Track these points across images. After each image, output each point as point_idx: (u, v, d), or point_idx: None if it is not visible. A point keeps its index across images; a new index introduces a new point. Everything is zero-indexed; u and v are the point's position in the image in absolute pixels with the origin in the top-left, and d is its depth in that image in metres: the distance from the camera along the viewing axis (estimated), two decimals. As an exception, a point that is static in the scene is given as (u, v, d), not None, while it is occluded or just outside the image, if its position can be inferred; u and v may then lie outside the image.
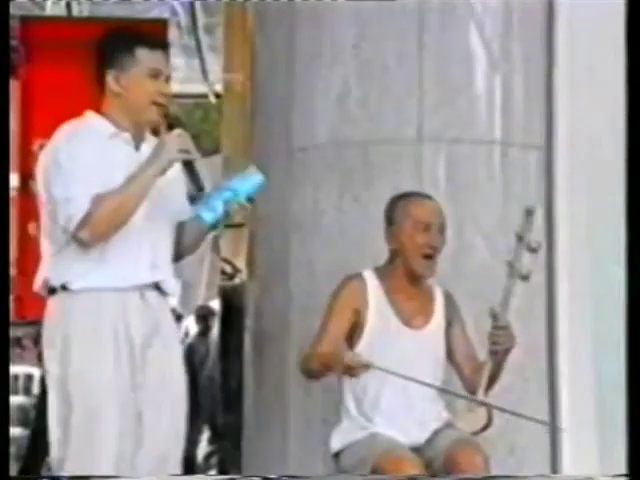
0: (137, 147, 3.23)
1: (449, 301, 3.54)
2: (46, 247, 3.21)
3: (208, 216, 3.22)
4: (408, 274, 3.45)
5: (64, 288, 3.13)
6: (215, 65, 9.77)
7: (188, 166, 3.18)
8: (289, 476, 3.73)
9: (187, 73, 10.86)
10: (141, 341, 3.15)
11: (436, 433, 3.40)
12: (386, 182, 3.92)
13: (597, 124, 4.09)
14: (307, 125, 4.04)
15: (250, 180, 3.28)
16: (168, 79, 3.25)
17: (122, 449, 3.10)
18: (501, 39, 4.06)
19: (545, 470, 3.93)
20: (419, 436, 3.39)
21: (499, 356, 3.34)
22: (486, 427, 3.32)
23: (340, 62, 4.02)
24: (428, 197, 3.52)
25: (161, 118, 3.23)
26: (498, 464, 3.64)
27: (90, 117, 3.28)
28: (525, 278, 3.29)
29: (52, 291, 3.16)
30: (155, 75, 3.22)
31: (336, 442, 3.46)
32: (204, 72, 10.87)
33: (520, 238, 3.30)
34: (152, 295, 3.20)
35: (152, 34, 3.33)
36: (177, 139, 3.16)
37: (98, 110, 3.27)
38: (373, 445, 3.34)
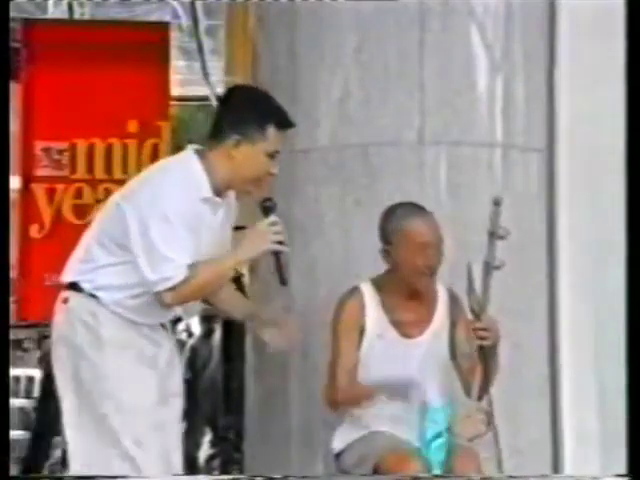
0: (215, 212, 3.22)
1: (454, 301, 3.52)
2: (96, 253, 3.19)
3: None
4: (407, 290, 3.43)
5: (95, 296, 3.17)
6: (217, 68, 9.78)
7: (276, 256, 3.20)
8: (298, 476, 3.74)
9: (189, 76, 10.87)
10: (164, 365, 3.25)
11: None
12: (387, 184, 3.93)
13: (598, 126, 4.09)
14: (308, 127, 4.05)
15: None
16: (278, 158, 3.26)
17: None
18: (502, 41, 4.06)
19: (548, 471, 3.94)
20: (416, 439, 3.40)
21: (486, 352, 3.32)
22: (482, 434, 3.32)
23: (341, 64, 4.02)
24: (422, 212, 3.45)
25: (256, 196, 3.26)
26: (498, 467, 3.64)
27: (194, 168, 3.20)
28: (498, 268, 3.31)
29: (79, 289, 3.18)
30: (273, 155, 3.23)
31: (338, 442, 3.47)
32: (206, 75, 10.88)
33: (492, 234, 3.31)
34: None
35: (285, 113, 3.26)
36: (273, 228, 3.18)
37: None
38: (374, 443, 3.35)
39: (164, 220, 3.09)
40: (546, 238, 4.08)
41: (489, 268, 3.30)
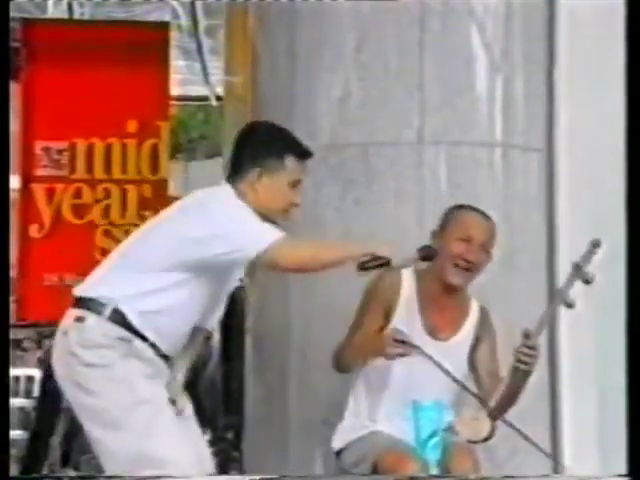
0: None
1: (484, 317, 3.51)
2: (136, 278, 3.15)
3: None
4: (441, 281, 3.41)
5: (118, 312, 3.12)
6: (216, 67, 9.78)
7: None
8: (298, 476, 3.74)
9: (188, 76, 10.88)
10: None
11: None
12: (387, 184, 3.93)
13: (597, 126, 4.09)
14: (308, 127, 4.05)
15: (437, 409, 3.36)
16: (301, 187, 3.31)
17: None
18: (502, 41, 4.06)
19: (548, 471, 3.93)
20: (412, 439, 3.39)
21: (522, 375, 3.29)
22: (487, 438, 3.31)
23: (341, 64, 4.02)
24: (483, 214, 3.47)
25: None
26: (499, 467, 3.64)
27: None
28: (570, 306, 3.25)
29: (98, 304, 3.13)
30: (295, 185, 3.28)
31: (338, 441, 3.47)
32: (205, 74, 10.89)
33: (578, 267, 3.24)
34: None
35: (303, 144, 3.33)
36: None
37: None
38: (374, 442, 3.35)
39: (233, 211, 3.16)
40: (546, 238, 4.08)
41: (560, 299, 3.25)
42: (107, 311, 3.11)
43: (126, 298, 3.12)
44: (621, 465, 3.27)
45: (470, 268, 3.39)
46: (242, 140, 3.35)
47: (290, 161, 3.27)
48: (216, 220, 3.13)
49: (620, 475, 3.13)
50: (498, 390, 3.31)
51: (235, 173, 3.29)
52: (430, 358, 3.27)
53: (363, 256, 3.17)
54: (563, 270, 4.01)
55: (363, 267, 3.17)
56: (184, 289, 3.15)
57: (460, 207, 3.49)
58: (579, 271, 3.24)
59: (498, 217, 3.96)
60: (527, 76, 4.09)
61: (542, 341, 3.34)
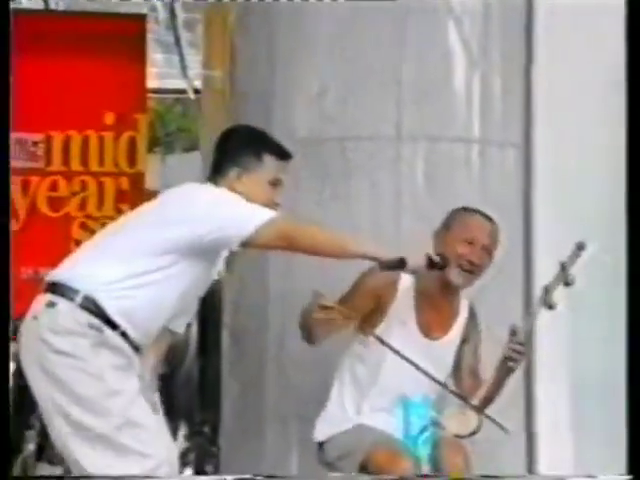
0: None
1: (472, 318, 3.52)
2: (113, 269, 3.12)
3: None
4: (442, 281, 3.40)
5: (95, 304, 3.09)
6: (194, 61, 9.75)
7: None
8: (270, 476, 3.73)
9: (166, 69, 10.84)
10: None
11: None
12: (364, 179, 3.93)
13: (575, 123, 4.11)
14: (286, 122, 4.05)
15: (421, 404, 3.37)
16: (282, 188, 3.33)
17: None
18: (480, 37, 4.07)
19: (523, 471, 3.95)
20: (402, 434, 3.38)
21: (507, 371, 3.31)
22: (474, 432, 3.33)
23: (319, 59, 4.02)
24: (487, 216, 3.47)
25: None
26: (480, 465, 3.65)
27: None
28: (551, 307, 3.28)
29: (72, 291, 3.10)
30: (275, 184, 3.30)
31: (320, 433, 3.44)
32: (183, 68, 10.85)
33: (563, 268, 3.26)
34: None
35: (282, 145, 3.36)
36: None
37: None
38: (361, 437, 3.34)
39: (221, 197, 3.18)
40: (523, 235, 4.09)
41: (545, 299, 3.27)
42: (79, 297, 3.07)
43: (99, 285, 3.09)
44: (595, 464, 3.30)
45: (473, 270, 3.40)
46: (222, 143, 3.38)
47: (269, 160, 3.29)
48: (206, 202, 3.15)
49: (620, 475, 3.12)
50: (482, 388, 3.32)
51: (215, 175, 3.31)
52: (388, 346, 3.27)
53: (363, 258, 3.17)
54: (540, 268, 4.05)
55: (386, 267, 3.16)
56: (161, 275, 3.12)
57: (464, 209, 3.49)
58: (563, 271, 3.26)
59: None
60: (505, 73, 4.10)
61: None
